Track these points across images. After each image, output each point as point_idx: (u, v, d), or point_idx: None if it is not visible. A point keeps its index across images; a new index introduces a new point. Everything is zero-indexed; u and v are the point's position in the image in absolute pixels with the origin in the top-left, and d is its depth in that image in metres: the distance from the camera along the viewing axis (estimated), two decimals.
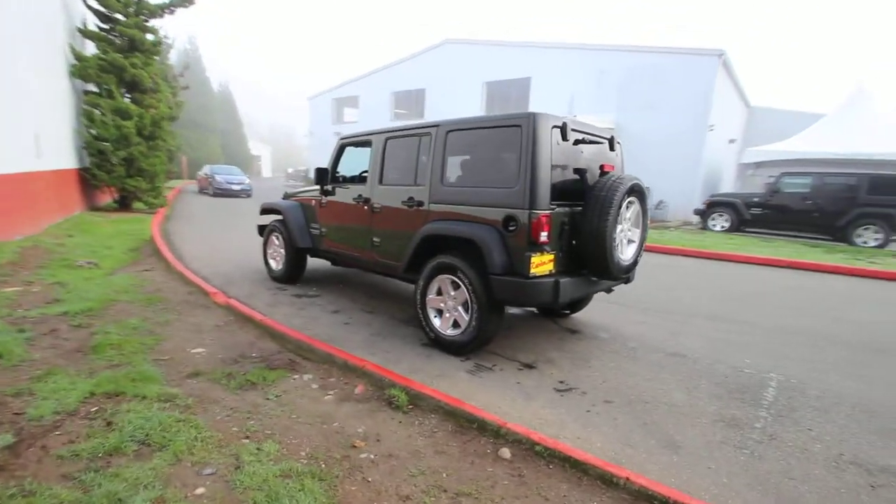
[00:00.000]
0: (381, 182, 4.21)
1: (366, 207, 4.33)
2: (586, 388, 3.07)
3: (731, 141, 20.29)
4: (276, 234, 5.58)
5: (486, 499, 1.91)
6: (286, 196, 5.90)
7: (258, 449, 2.12)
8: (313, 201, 5.14)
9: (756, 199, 12.11)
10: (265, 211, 5.91)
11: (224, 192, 17.86)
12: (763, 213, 11.86)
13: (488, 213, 3.30)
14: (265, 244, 5.78)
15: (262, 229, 5.96)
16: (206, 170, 19.67)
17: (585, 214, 3.27)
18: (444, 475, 2.05)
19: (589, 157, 3.58)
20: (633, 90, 17.65)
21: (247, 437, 2.23)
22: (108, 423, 2.22)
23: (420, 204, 3.78)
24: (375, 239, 4.26)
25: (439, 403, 2.56)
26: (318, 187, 5.30)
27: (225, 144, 34.88)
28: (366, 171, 5.23)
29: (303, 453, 2.14)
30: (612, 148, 3.86)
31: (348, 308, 4.67)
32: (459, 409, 2.49)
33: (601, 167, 3.53)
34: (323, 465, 2.05)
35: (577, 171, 3.42)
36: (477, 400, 2.76)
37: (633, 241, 3.65)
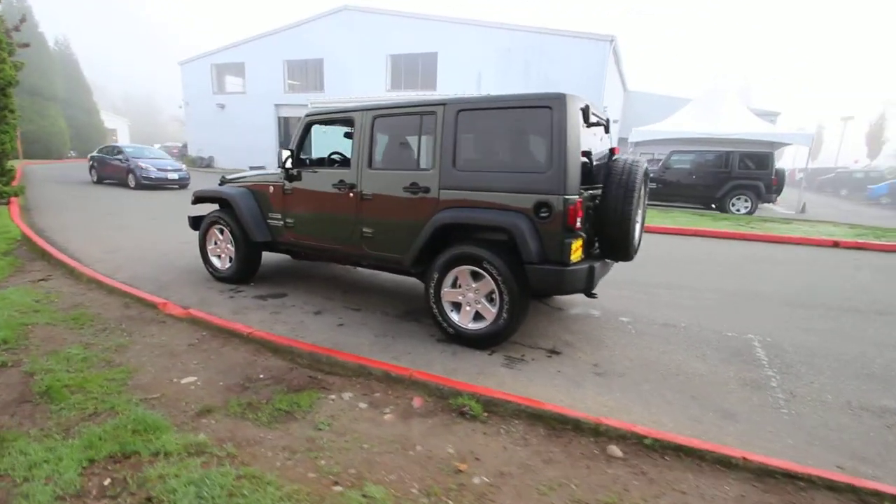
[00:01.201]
0: (370, 166, 3.77)
1: (351, 195, 3.86)
2: (620, 370, 3.14)
3: (615, 121, 22.40)
4: (219, 226, 4.76)
5: None
6: (224, 181, 5.05)
7: (364, 496, 1.77)
8: (271, 187, 4.46)
9: (651, 175, 13.58)
10: (200, 200, 5.00)
11: (155, 183, 13.93)
12: (657, 188, 13.36)
13: (514, 199, 3.14)
14: (203, 240, 4.91)
15: (195, 222, 5.05)
16: (123, 153, 14.41)
17: (608, 198, 3.29)
18: (573, 486, 1.93)
19: (593, 139, 3.59)
20: (537, 69, 18.42)
21: (336, 484, 1.86)
22: (149, 500, 1.67)
23: (426, 190, 3.47)
24: (366, 230, 3.83)
25: (519, 407, 2.41)
26: (267, 171, 4.63)
27: (71, 116, 28.93)
28: (336, 153, 4.73)
29: (414, 490, 1.85)
30: (607, 130, 3.92)
31: (330, 307, 4.20)
32: (546, 410, 2.36)
33: (611, 150, 3.57)
34: (448, 501, 1.79)
35: (584, 153, 3.41)
36: (534, 394, 2.67)
37: (637, 222, 3.79)
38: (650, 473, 2.02)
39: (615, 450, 2.15)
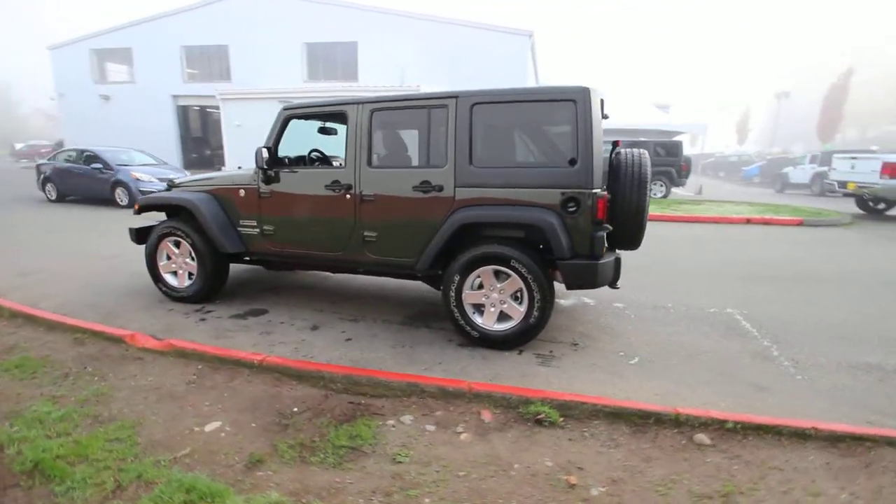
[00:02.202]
0: (370, 164, 3.47)
1: (348, 196, 3.53)
2: (647, 355, 3.24)
3: None
4: (173, 238, 4.11)
5: (746, 490, 1.88)
6: (173, 186, 4.37)
7: None
8: (242, 191, 3.93)
9: None
10: (147, 208, 4.28)
11: None
12: None
13: (540, 195, 3.07)
14: (153, 255, 4.21)
15: (141, 234, 4.31)
16: (102, 160, 10.65)
17: (623, 190, 3.35)
18: (685, 481, 1.93)
19: None
20: (460, 62, 18.51)
21: None
22: None
23: (439, 189, 3.27)
24: (368, 234, 3.53)
25: (595, 407, 2.36)
26: (229, 171, 4.11)
27: None
28: (316, 151, 4.31)
29: None
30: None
31: (325, 321, 3.83)
32: (625, 408, 2.35)
33: (615, 143, 3.64)
34: None
35: None
36: (584, 390, 2.66)
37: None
38: (744, 456, 2.10)
39: (703, 438, 2.20)
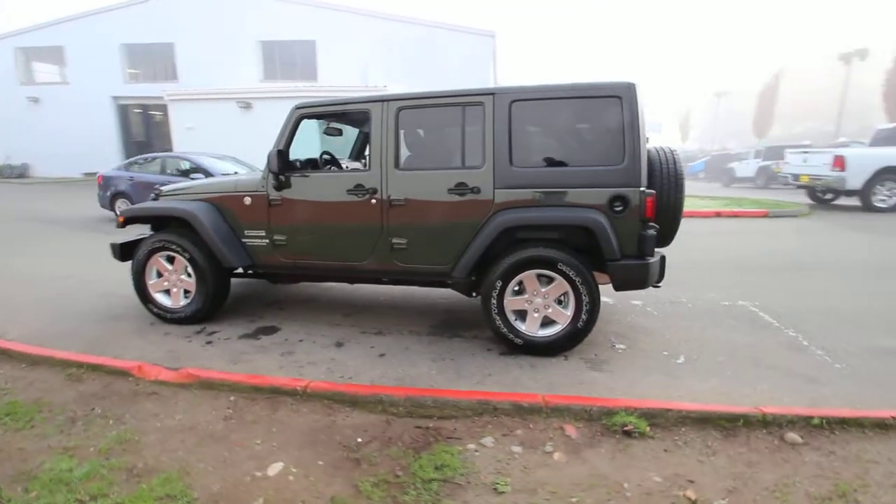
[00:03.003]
0: (398, 166, 3.24)
1: (373, 201, 3.28)
2: (690, 354, 3.22)
3: None
4: (166, 254, 3.69)
5: (859, 488, 1.85)
6: (160, 195, 3.93)
7: None
8: (247, 199, 3.58)
9: None
10: (134, 220, 3.82)
11: None
12: None
13: (586, 195, 2.97)
14: (141, 272, 3.75)
15: (125, 250, 3.84)
16: (202, 168, 8.79)
17: (661, 188, 3.31)
18: (797, 484, 1.87)
19: None
20: (422, 62, 18.32)
21: None
22: None
23: (476, 191, 3.10)
24: (398, 241, 3.29)
25: (680, 414, 2.28)
26: (229, 177, 3.76)
27: None
28: (327, 153, 4.02)
29: None
30: None
31: (347, 335, 3.56)
32: (710, 412, 2.27)
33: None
34: None
35: None
36: (649, 394, 2.58)
37: None
38: (837, 452, 2.08)
39: (794, 437, 2.17)
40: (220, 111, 15.57)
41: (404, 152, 3.26)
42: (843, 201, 11.28)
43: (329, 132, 4.16)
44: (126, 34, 19.01)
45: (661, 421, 2.29)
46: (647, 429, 2.23)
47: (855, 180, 9.69)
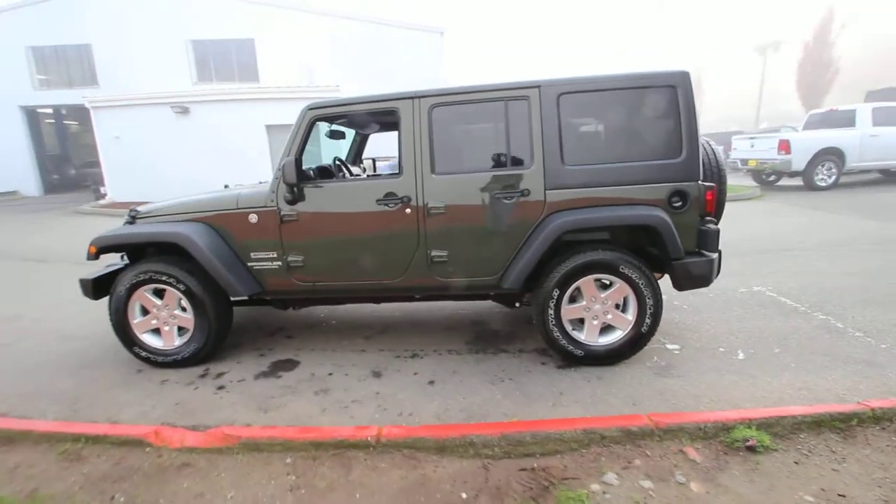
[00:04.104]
0: (434, 170, 2.90)
1: (408, 211, 2.92)
2: (745, 348, 3.14)
3: None
4: (152, 286, 3.12)
5: None
6: (137, 217, 3.32)
7: None
8: (252, 216, 3.09)
9: None
10: (110, 248, 3.19)
11: None
12: None
13: (644, 191, 2.80)
14: (122, 310, 3.15)
15: (99, 286, 3.21)
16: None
17: (705, 180, 3.21)
18: None
19: None
20: (369, 61, 17.72)
21: None
22: None
23: (525, 193, 2.83)
24: (437, 253, 2.96)
25: (795, 420, 2.14)
26: (222, 193, 3.27)
27: None
28: (338, 160, 3.58)
29: None
30: None
31: (380, 363, 3.18)
32: (823, 413, 2.16)
33: None
34: None
35: None
36: (738, 397, 2.47)
37: None
38: None
39: None
40: (152, 117, 14.14)
41: (441, 154, 2.92)
42: (785, 182, 12.16)
43: (333, 136, 3.72)
44: (33, 36, 16.81)
45: (778, 430, 2.15)
46: (768, 440, 2.08)
47: (799, 162, 10.42)
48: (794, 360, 2.93)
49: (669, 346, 3.21)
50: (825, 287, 4.24)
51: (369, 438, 2.14)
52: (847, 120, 10.78)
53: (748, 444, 2.05)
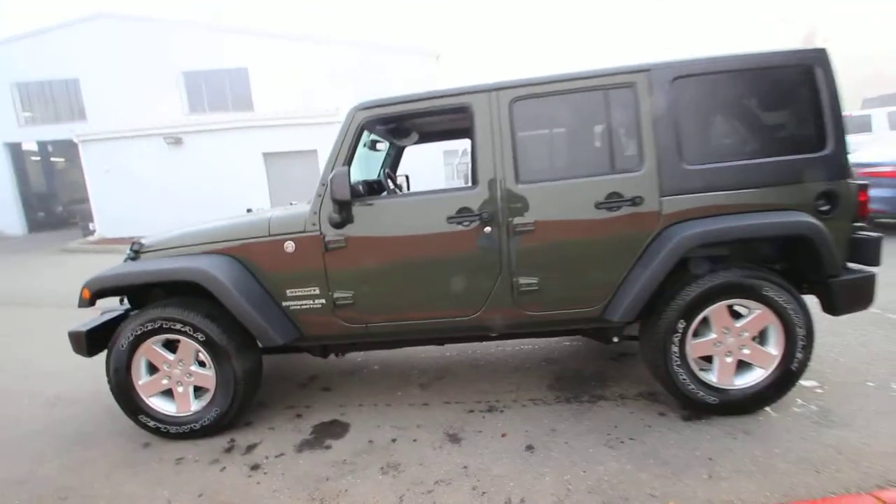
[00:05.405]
0: (518, 179, 2.33)
1: (487, 229, 2.34)
2: (836, 378, 2.58)
3: None
4: (162, 337, 2.47)
5: None
6: (141, 251, 2.69)
7: None
8: (289, 243, 2.47)
9: None
10: (104, 293, 2.54)
11: None
12: None
13: (782, 193, 2.25)
14: (124, 369, 2.48)
15: (94, 339, 2.55)
16: None
17: None
18: None
19: None
20: (366, 86, 17.45)
21: None
22: None
23: (635, 202, 2.27)
24: (525, 281, 2.36)
25: None
26: (248, 218, 2.67)
27: None
28: (387, 172, 3.02)
29: None
30: None
31: (452, 422, 2.53)
32: None
33: None
34: None
35: None
36: None
37: None
38: None
39: None
40: (143, 149, 13.58)
41: (526, 159, 2.36)
42: None
43: (373, 146, 3.17)
44: (18, 71, 16.29)
45: None
46: None
47: None
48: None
49: (806, 384, 2.61)
50: None
51: None
52: (863, 125, 10.57)
53: None
